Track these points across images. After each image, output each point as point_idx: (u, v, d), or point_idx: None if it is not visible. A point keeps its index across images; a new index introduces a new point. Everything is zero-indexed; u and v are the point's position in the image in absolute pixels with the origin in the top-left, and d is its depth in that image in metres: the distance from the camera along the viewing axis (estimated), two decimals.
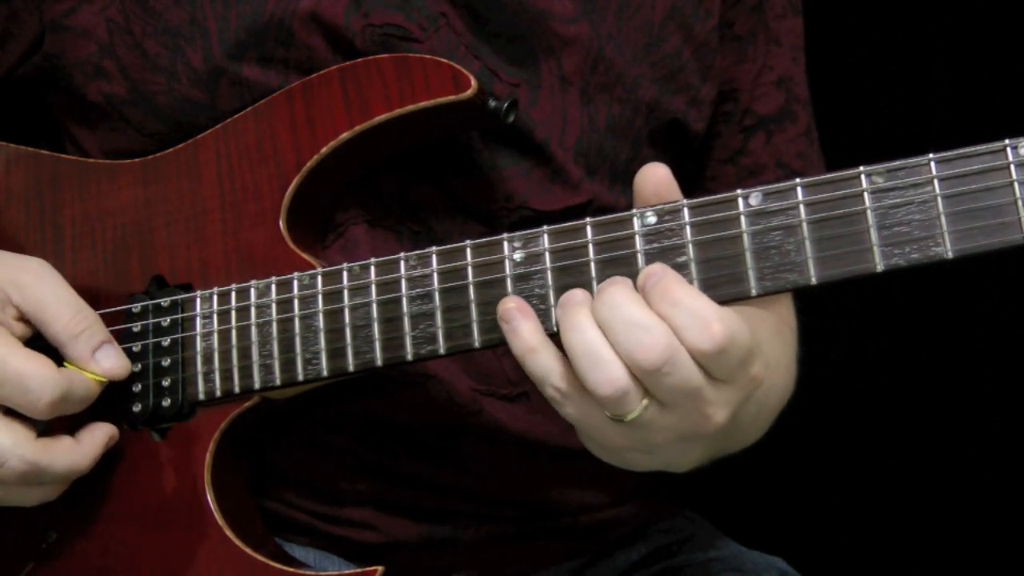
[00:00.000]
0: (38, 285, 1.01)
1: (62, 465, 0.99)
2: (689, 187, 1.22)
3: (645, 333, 0.84)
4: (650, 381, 0.85)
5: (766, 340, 1.13)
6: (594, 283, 0.91)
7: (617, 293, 0.86)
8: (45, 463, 0.98)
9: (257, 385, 1.01)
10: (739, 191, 0.89)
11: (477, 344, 0.94)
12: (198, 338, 1.04)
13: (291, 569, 0.99)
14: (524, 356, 0.88)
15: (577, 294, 0.88)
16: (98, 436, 1.02)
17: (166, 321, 1.05)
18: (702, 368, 0.85)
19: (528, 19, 1.10)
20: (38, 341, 1.01)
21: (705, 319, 0.84)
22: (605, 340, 0.85)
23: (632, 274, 0.89)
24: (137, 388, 1.05)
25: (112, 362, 1.01)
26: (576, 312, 0.86)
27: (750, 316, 0.90)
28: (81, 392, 0.99)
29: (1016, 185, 0.83)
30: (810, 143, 1.25)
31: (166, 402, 1.04)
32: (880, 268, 0.86)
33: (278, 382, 1.00)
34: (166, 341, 1.05)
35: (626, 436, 0.88)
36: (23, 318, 1.01)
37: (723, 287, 0.88)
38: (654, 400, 0.86)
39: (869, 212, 0.86)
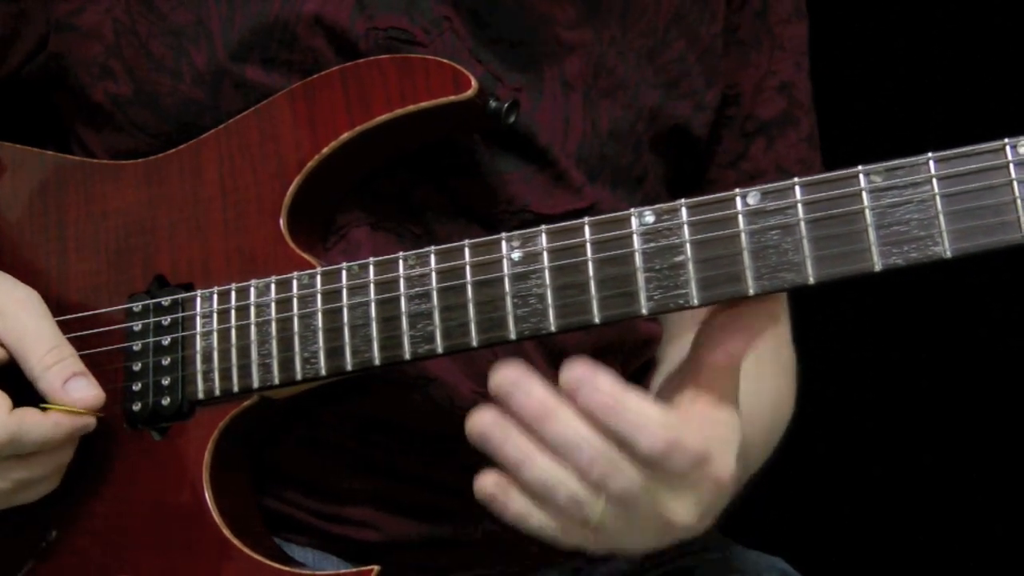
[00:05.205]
0: (20, 315, 1.02)
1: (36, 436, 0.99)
2: (689, 190, 1.23)
3: (587, 448, 0.86)
4: (598, 486, 0.87)
5: (758, 380, 1.13)
6: (592, 282, 0.91)
7: (559, 412, 0.86)
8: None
9: (256, 384, 1.01)
10: (737, 191, 0.89)
11: (475, 343, 0.94)
12: (198, 337, 1.04)
13: (288, 568, 1.00)
14: (519, 521, 0.90)
15: (497, 424, 0.88)
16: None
17: (166, 320, 1.05)
18: (650, 470, 0.86)
19: (531, 24, 1.10)
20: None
21: (649, 427, 0.85)
22: (553, 463, 0.87)
23: (628, 275, 0.89)
24: (137, 387, 1.05)
25: (82, 392, 1.01)
26: (517, 445, 0.87)
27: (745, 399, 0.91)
28: (34, 435, 0.99)
29: (1015, 184, 0.83)
30: (812, 149, 1.25)
31: (165, 401, 1.04)
32: (878, 267, 0.86)
33: (276, 381, 1.00)
34: (166, 340, 1.05)
35: (617, 543, 0.91)
36: (2, 346, 1.02)
37: (720, 286, 0.88)
38: (610, 502, 0.87)
39: (867, 211, 0.86)
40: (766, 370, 1.19)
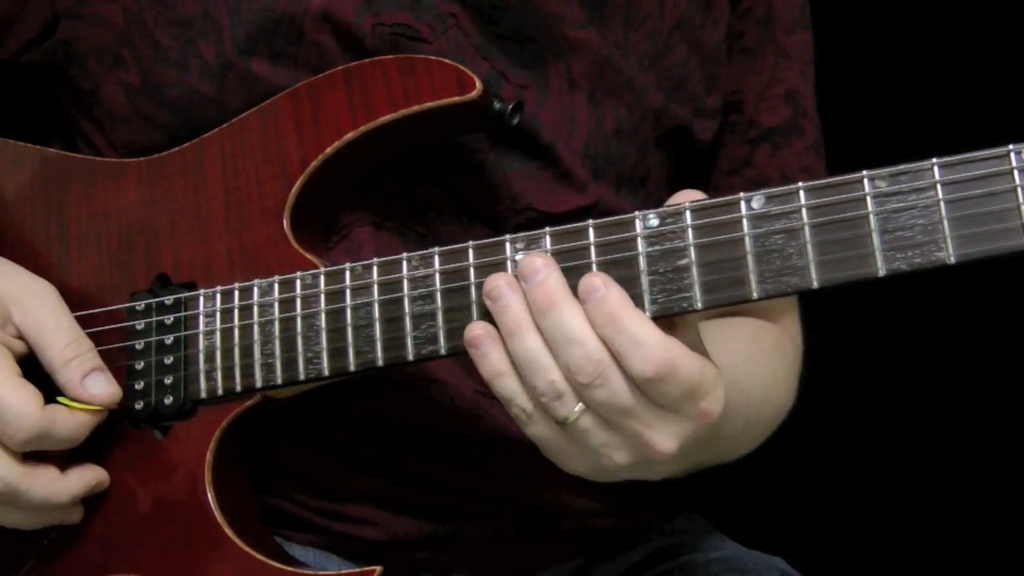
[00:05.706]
0: (40, 308, 1.03)
1: (39, 494, 1.00)
2: None
3: (580, 348, 0.87)
4: (583, 391, 0.88)
5: (752, 359, 1.14)
6: None
7: (564, 307, 0.88)
8: (23, 488, 0.99)
9: (259, 384, 1.01)
10: (741, 194, 0.89)
11: None
12: (201, 336, 1.04)
13: (290, 568, 1.00)
14: (492, 379, 0.91)
15: (509, 287, 0.89)
16: (86, 477, 1.03)
17: (169, 319, 1.05)
18: (640, 390, 0.87)
19: (538, 22, 1.10)
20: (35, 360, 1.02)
21: (646, 347, 0.86)
22: (545, 347, 0.88)
23: (632, 277, 0.90)
24: (139, 386, 1.05)
25: (100, 389, 1.02)
26: (516, 315, 0.89)
27: (726, 342, 0.91)
28: (62, 433, 1.00)
29: (1019, 191, 0.83)
30: (818, 158, 1.25)
31: (168, 400, 1.04)
32: (882, 272, 0.86)
33: (279, 381, 1.00)
34: (169, 339, 1.05)
35: (580, 457, 0.91)
36: (21, 337, 1.03)
37: (724, 290, 0.88)
38: (590, 409, 0.88)
39: (872, 216, 0.86)
40: (764, 351, 1.20)
